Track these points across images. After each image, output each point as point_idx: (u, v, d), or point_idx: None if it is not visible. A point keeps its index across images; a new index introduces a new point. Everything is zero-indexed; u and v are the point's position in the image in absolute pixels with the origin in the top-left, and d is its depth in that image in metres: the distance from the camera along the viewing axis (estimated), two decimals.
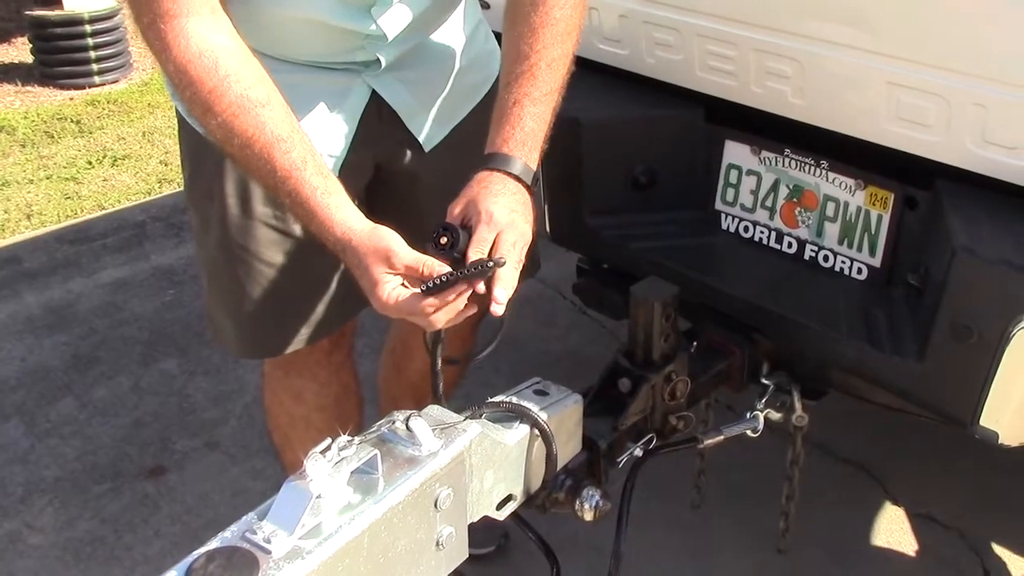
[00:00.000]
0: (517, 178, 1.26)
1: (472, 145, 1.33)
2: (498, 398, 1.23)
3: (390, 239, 1.18)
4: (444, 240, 1.21)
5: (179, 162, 1.61)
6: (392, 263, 1.16)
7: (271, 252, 1.52)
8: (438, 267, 1.16)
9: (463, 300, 1.18)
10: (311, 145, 1.22)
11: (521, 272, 1.23)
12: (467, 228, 1.22)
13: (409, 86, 1.48)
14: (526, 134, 1.27)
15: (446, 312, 1.18)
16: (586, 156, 1.80)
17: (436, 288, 1.15)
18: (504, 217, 1.20)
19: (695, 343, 1.72)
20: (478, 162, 1.28)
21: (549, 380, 1.31)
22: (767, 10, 1.63)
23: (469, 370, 2.07)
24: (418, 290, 1.16)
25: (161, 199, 3.99)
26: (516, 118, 1.28)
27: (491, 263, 1.17)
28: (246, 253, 1.52)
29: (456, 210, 1.24)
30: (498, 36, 1.57)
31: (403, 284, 1.17)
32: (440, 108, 1.53)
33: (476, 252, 1.19)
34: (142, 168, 4.31)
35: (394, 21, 1.37)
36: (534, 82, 1.28)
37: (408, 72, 1.48)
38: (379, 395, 2.04)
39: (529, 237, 1.24)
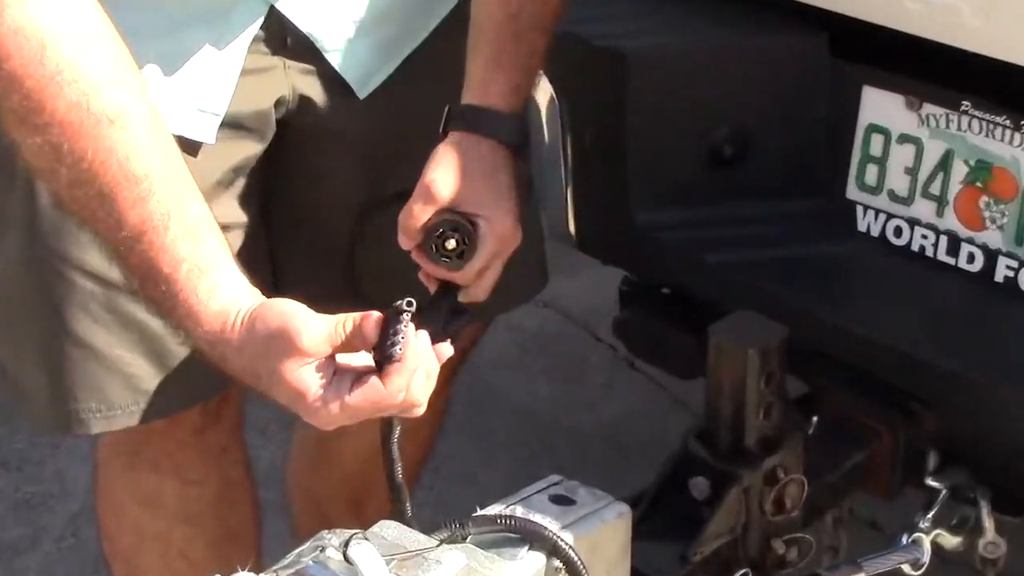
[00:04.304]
0: (515, 148, 1.20)
1: (425, 91, 1.23)
2: (493, 508, 1.05)
3: (288, 314, 0.98)
4: (452, 245, 1.14)
5: None
6: (300, 347, 0.97)
7: (105, 264, 1.22)
8: (370, 327, 0.98)
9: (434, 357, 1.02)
10: (184, 186, 1.01)
11: (515, 294, 1.32)
12: (464, 216, 1.17)
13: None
14: (528, 78, 1.22)
15: (418, 383, 1.01)
16: (634, 113, 1.52)
17: (392, 356, 0.98)
18: (511, 230, 1.17)
19: (815, 419, 1.47)
20: (457, 111, 1.20)
21: (574, 478, 1.12)
22: None
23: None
24: (366, 366, 0.98)
25: None
26: (520, 54, 1.20)
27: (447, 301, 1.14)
28: (65, 264, 1.27)
29: (445, 193, 1.14)
30: None
31: (334, 373, 1.00)
32: (379, 34, 1.33)
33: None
34: None
35: None
36: None
37: None
38: (288, 494, 1.74)
39: (519, 239, 1.20)
